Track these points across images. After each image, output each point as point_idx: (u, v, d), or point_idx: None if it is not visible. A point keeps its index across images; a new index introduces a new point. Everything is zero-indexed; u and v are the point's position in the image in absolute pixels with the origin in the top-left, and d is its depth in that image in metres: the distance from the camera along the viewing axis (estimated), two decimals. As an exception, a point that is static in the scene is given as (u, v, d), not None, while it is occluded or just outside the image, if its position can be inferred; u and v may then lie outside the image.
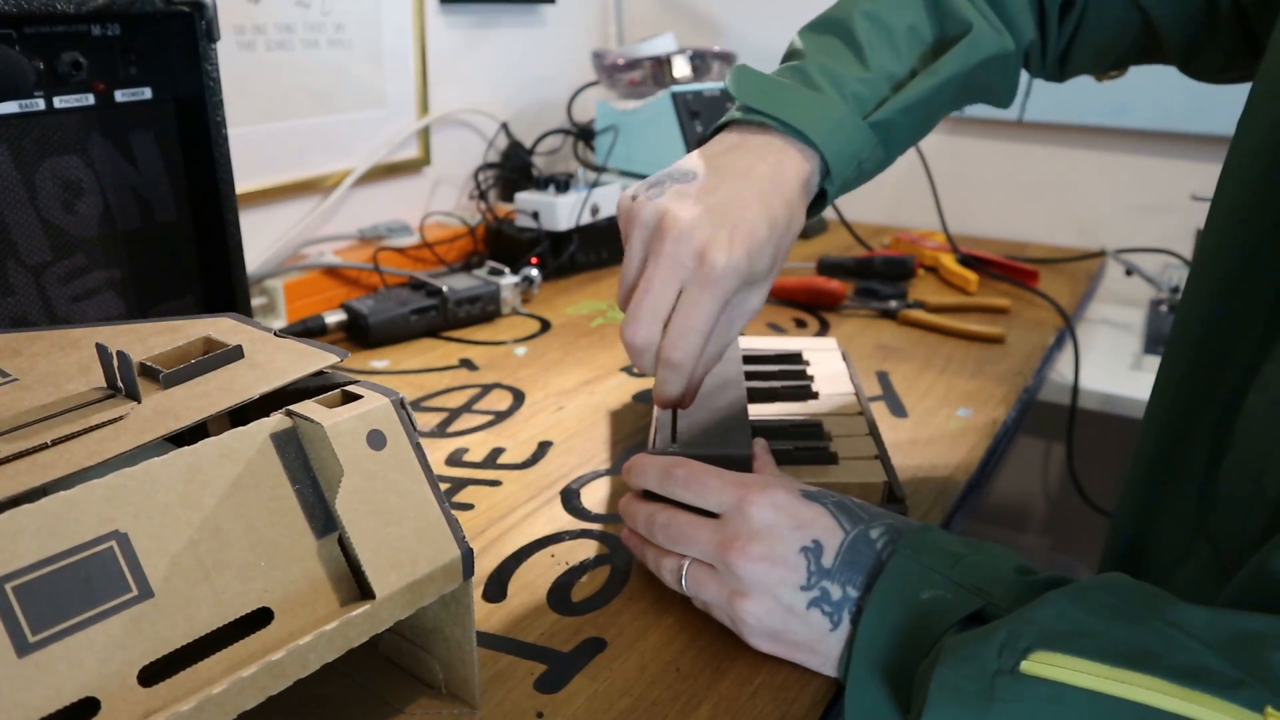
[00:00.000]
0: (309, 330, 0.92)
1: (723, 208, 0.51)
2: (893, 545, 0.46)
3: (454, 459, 0.71)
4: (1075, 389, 1.07)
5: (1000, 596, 0.41)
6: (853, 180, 0.58)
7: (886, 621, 0.43)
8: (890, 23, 0.58)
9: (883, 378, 0.86)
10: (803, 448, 0.63)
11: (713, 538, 0.48)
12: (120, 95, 0.63)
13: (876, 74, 0.57)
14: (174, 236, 0.68)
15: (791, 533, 0.47)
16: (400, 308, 0.94)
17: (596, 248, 1.18)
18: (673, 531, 0.50)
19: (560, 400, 0.81)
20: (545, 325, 1.00)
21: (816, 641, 0.46)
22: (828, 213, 1.40)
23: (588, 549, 0.59)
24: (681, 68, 1.25)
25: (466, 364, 0.89)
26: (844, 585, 0.46)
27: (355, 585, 0.37)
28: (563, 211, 1.12)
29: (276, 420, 0.37)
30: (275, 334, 0.44)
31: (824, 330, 0.99)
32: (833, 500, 0.48)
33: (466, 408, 0.80)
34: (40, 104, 0.59)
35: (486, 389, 0.83)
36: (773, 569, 0.46)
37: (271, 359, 0.41)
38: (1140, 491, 0.53)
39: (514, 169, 1.28)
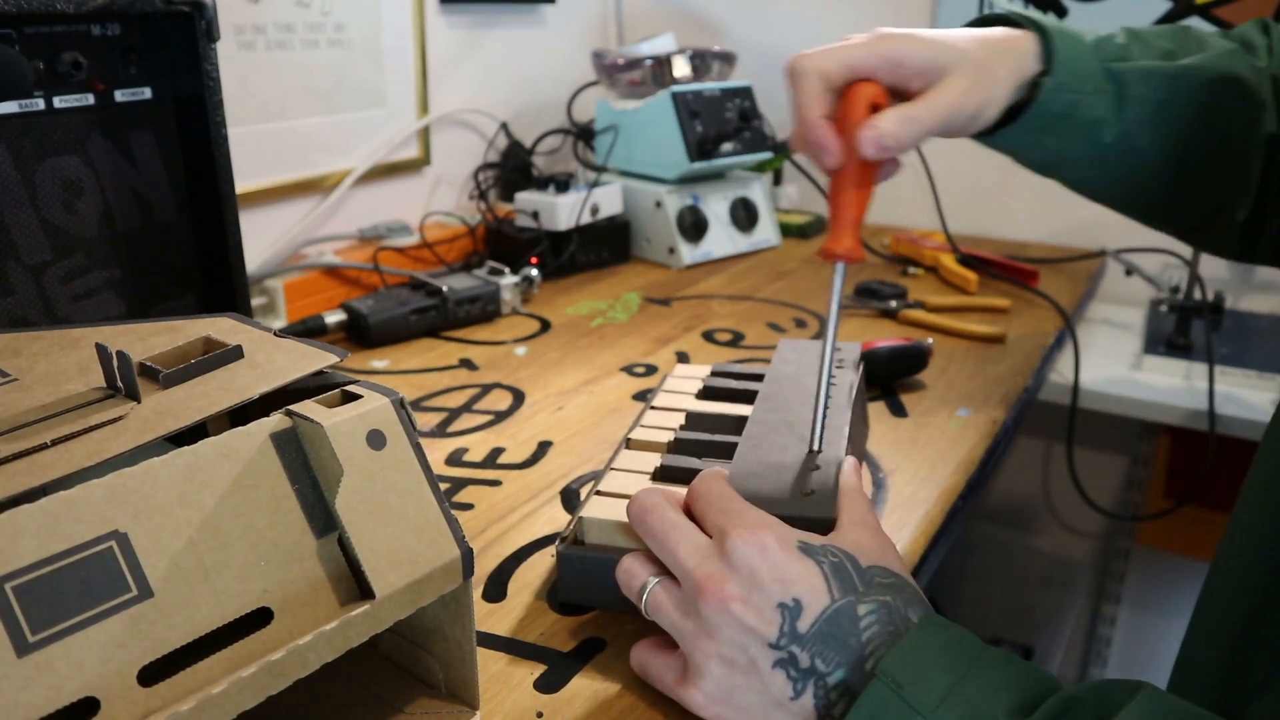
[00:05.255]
0: (309, 330, 0.92)
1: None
2: (877, 639, 0.41)
3: (454, 459, 0.71)
4: (1075, 389, 1.07)
5: None
6: (1070, 100, 0.63)
7: None
8: (1149, 37, 0.68)
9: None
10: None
11: (691, 556, 0.44)
12: (120, 95, 0.63)
13: (1127, 42, 0.67)
14: (174, 236, 0.68)
15: (772, 584, 0.42)
16: (400, 308, 0.94)
17: (596, 248, 1.18)
18: (656, 525, 0.47)
19: (560, 400, 0.81)
20: (545, 325, 1.00)
21: (770, 710, 0.42)
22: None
23: (588, 549, 0.59)
24: (681, 68, 1.25)
25: (466, 364, 0.89)
26: (814, 657, 0.41)
27: (355, 585, 0.37)
28: (563, 211, 1.12)
29: (276, 420, 0.37)
30: (275, 334, 0.44)
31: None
32: (831, 560, 0.43)
33: (466, 408, 0.80)
34: (40, 104, 0.59)
35: (486, 389, 0.83)
36: (745, 614, 0.42)
37: (271, 359, 0.41)
38: (1234, 606, 0.49)
39: (514, 169, 1.28)
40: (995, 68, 0.61)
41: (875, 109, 0.56)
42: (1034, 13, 0.66)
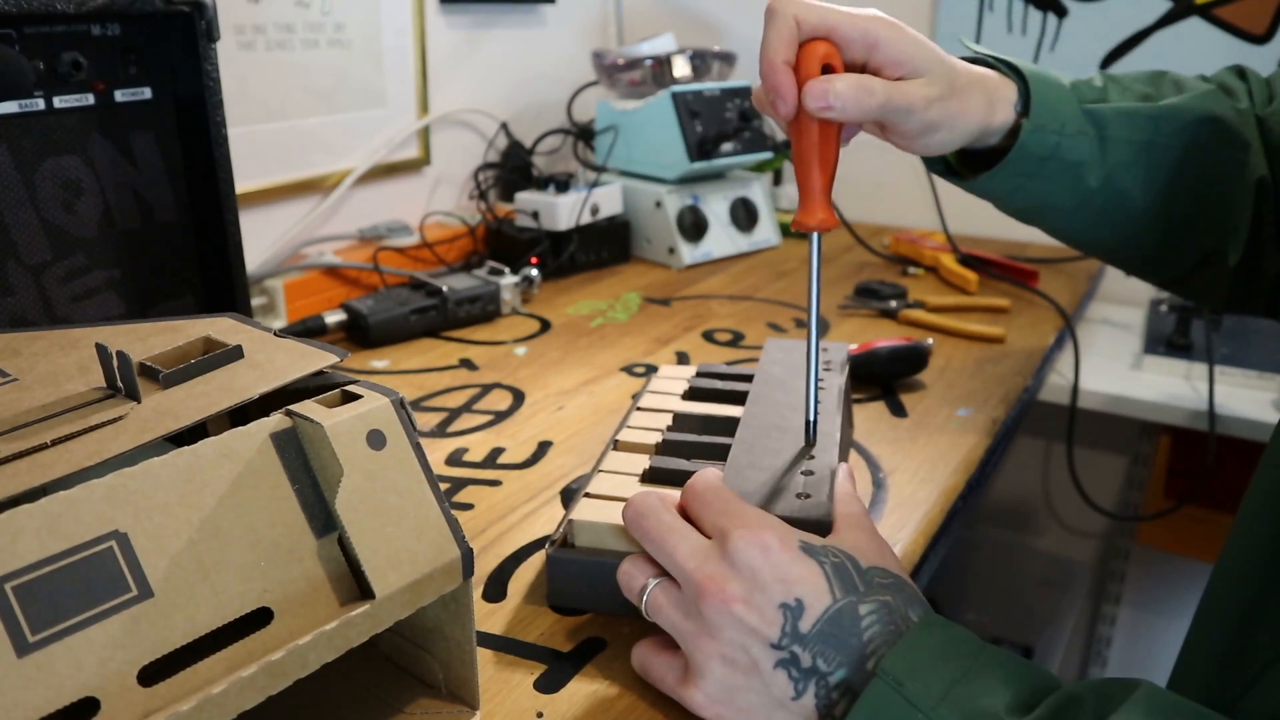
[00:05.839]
0: (309, 330, 0.92)
1: None
2: (879, 638, 0.41)
3: (454, 459, 0.71)
4: (1075, 389, 1.07)
5: None
6: (1051, 143, 0.63)
7: None
8: (1125, 81, 0.69)
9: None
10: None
11: (692, 558, 0.44)
12: (120, 95, 0.63)
13: (1104, 85, 0.67)
14: (174, 236, 0.68)
15: (774, 584, 0.42)
16: (400, 308, 0.94)
17: (596, 248, 1.18)
18: (653, 528, 0.47)
19: (560, 400, 0.81)
20: (545, 325, 1.00)
21: (772, 710, 0.42)
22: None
23: (588, 549, 0.59)
24: (681, 68, 1.25)
25: (466, 364, 0.89)
26: (816, 657, 0.41)
27: (355, 585, 0.37)
28: (563, 211, 1.12)
29: (276, 420, 0.37)
30: (275, 334, 0.44)
31: (823, 331, 0.99)
32: (832, 561, 0.43)
33: (466, 408, 0.80)
34: (40, 104, 0.59)
35: (486, 389, 0.83)
36: (748, 614, 0.42)
37: (271, 359, 0.41)
38: (1240, 590, 0.49)
39: (514, 169, 1.28)
40: (967, 99, 0.60)
41: (828, 71, 0.54)
42: (1012, 56, 0.65)
